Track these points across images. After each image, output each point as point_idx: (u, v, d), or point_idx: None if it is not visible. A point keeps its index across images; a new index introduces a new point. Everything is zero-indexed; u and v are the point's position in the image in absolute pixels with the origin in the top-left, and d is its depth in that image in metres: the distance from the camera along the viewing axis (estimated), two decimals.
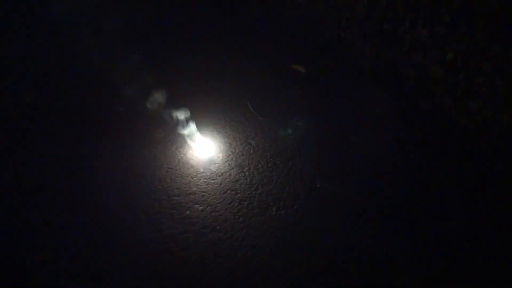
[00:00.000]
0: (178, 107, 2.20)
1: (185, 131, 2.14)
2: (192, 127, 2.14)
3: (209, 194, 1.92)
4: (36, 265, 1.64)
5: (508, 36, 2.85)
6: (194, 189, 1.94)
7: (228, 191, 1.94)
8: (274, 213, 1.86)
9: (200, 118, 2.25)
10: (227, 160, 2.08)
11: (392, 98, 2.50)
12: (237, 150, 2.13)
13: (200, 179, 1.98)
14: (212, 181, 1.98)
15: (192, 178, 1.99)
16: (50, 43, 2.83)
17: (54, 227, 1.78)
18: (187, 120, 2.15)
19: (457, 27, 3.07)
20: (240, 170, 2.03)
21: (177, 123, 2.17)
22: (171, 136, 2.18)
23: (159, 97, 2.27)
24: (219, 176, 2.00)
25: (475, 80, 2.68)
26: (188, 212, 1.85)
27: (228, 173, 2.02)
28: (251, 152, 2.12)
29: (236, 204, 1.89)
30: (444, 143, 2.23)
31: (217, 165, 2.05)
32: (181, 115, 2.16)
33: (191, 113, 2.18)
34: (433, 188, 2.00)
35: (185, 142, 2.15)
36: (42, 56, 2.72)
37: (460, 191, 1.98)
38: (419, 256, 1.71)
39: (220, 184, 1.97)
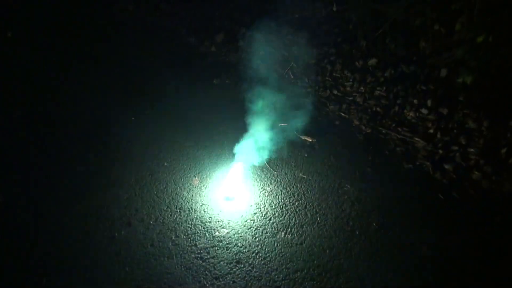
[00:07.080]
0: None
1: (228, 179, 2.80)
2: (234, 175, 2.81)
3: (233, 221, 2.51)
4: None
5: (481, 115, 3.59)
6: (222, 218, 2.53)
7: (248, 220, 2.52)
8: (283, 236, 2.40)
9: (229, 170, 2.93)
10: (248, 200, 2.69)
11: (381, 161, 3.13)
12: (255, 193, 2.75)
13: (226, 212, 2.59)
14: (235, 213, 2.58)
15: (220, 211, 2.59)
16: None
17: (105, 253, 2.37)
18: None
19: (438, 111, 3.82)
20: (257, 207, 2.63)
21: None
22: (205, 182, 2.84)
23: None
24: (241, 210, 2.60)
25: (451, 148, 3.30)
26: (217, 233, 2.42)
27: (248, 208, 2.62)
28: (266, 195, 2.74)
29: (253, 229, 2.45)
30: (421, 193, 2.79)
31: (239, 203, 2.66)
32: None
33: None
34: (411, 225, 2.52)
35: (216, 186, 2.80)
36: None
37: (433, 228, 2.50)
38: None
39: (242, 215, 2.56)
